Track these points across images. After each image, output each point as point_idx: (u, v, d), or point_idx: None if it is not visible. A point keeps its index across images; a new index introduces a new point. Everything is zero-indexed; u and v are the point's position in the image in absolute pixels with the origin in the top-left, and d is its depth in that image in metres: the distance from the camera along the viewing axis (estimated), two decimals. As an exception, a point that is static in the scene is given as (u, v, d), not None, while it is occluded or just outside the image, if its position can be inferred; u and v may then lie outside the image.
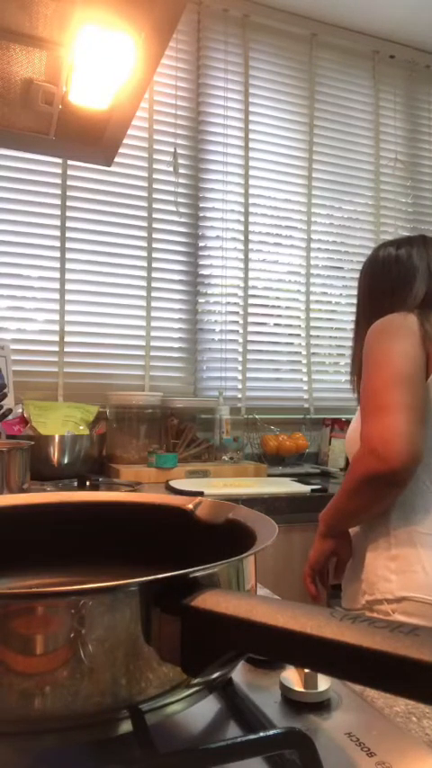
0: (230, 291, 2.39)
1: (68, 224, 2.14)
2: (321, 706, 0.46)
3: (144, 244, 2.26)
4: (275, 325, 2.47)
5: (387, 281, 1.18)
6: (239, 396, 2.37)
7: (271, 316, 2.46)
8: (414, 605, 0.96)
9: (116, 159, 1.23)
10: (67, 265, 2.14)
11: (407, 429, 0.91)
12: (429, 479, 1.00)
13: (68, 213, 2.15)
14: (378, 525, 1.05)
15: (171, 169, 2.30)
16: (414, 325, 1.03)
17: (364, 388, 1.00)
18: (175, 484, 1.69)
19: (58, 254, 2.13)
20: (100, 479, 1.70)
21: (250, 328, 2.41)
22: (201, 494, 1.50)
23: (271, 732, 0.36)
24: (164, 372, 2.29)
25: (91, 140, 1.12)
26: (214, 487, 1.64)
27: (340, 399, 2.46)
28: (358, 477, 0.96)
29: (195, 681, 0.36)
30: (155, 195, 2.28)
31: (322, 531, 1.10)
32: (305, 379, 2.49)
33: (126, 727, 0.35)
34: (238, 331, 2.41)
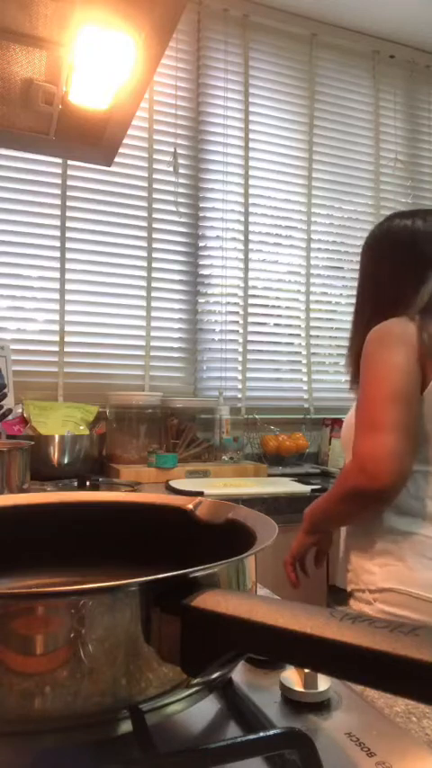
0: (230, 291, 2.39)
1: (68, 224, 2.14)
2: (321, 706, 0.46)
3: (144, 244, 2.26)
4: (275, 325, 2.47)
5: (401, 266, 1.13)
6: (239, 396, 2.37)
7: (271, 316, 2.46)
8: (395, 596, 0.99)
9: (116, 159, 1.23)
10: (67, 265, 2.14)
11: (397, 449, 0.92)
12: (411, 484, 1.02)
13: (68, 213, 2.15)
14: (363, 523, 1.08)
15: (171, 169, 2.30)
16: (413, 336, 1.01)
17: (360, 402, 1.01)
18: (175, 484, 1.69)
19: (58, 254, 2.13)
20: (100, 479, 1.70)
21: (250, 328, 2.41)
22: (201, 494, 1.50)
23: (271, 732, 0.36)
24: (164, 372, 2.29)
25: (91, 140, 1.12)
26: (214, 487, 1.64)
27: (340, 399, 2.46)
28: (347, 490, 0.99)
29: (195, 681, 0.36)
30: (155, 195, 2.28)
31: (306, 528, 1.16)
32: (305, 379, 2.49)
33: (126, 727, 0.35)
34: (238, 331, 2.41)
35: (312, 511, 1.13)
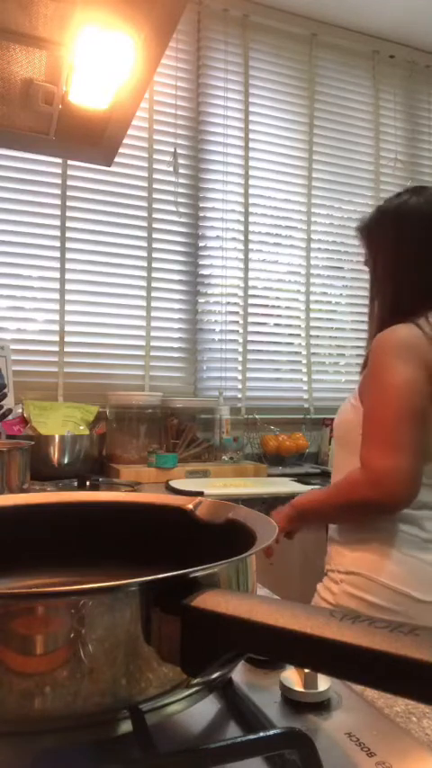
0: (230, 291, 2.39)
1: (68, 224, 2.14)
2: (321, 706, 0.46)
3: (144, 244, 2.26)
4: (275, 325, 2.47)
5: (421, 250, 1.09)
6: (239, 396, 2.37)
7: (271, 316, 2.46)
8: (360, 580, 1.02)
9: (116, 159, 1.23)
10: (67, 265, 2.14)
11: (414, 470, 0.95)
12: None
13: (68, 213, 2.15)
14: None
15: (171, 169, 2.30)
16: (422, 344, 1.01)
17: (372, 415, 1.01)
18: (175, 484, 1.69)
19: (58, 254, 2.13)
20: (100, 479, 1.70)
21: (250, 328, 2.41)
22: (201, 494, 1.50)
23: (271, 732, 0.36)
24: (164, 372, 2.29)
25: (91, 140, 1.12)
26: (214, 487, 1.64)
27: (340, 399, 2.44)
28: (355, 502, 1.01)
29: (195, 681, 0.36)
30: (155, 195, 2.28)
31: (293, 517, 1.13)
32: (305, 379, 2.49)
33: (126, 727, 0.35)
34: (238, 331, 2.41)
35: (304, 506, 1.12)
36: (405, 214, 1.13)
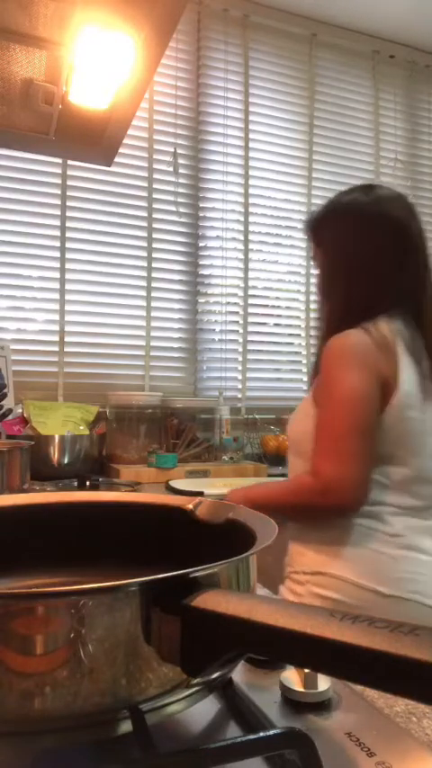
0: (230, 291, 2.39)
1: (68, 224, 2.14)
2: (321, 706, 0.46)
3: (144, 244, 2.26)
4: (275, 325, 2.47)
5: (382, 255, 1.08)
6: (239, 396, 2.37)
7: (271, 316, 2.46)
8: (326, 579, 1.02)
9: (116, 159, 1.23)
10: (67, 265, 2.14)
11: (362, 478, 0.99)
12: None
13: (68, 213, 2.15)
14: None
15: (171, 169, 2.30)
16: (371, 351, 1.01)
17: (324, 424, 1.03)
18: (174, 484, 1.68)
19: (58, 254, 2.13)
20: (100, 479, 1.70)
21: (250, 328, 2.41)
22: (201, 494, 1.50)
23: (271, 732, 0.36)
24: (164, 372, 2.29)
25: (91, 140, 1.12)
26: (214, 487, 1.64)
27: (340, 399, 2.45)
28: (303, 505, 1.04)
29: (195, 681, 0.36)
30: (155, 195, 2.28)
31: (246, 504, 1.14)
32: (305, 379, 2.49)
33: (126, 727, 0.35)
34: (238, 331, 2.41)
35: (256, 498, 1.12)
36: (355, 212, 1.11)
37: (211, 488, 1.60)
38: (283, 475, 2.03)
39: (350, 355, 1.02)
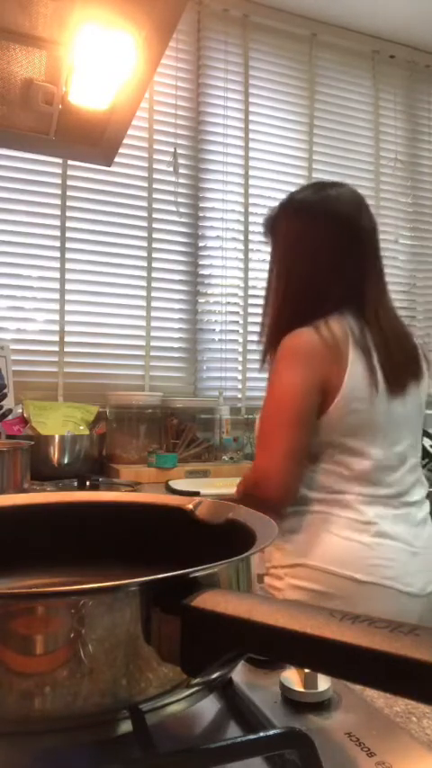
0: (230, 291, 2.39)
1: (68, 224, 2.14)
2: (321, 706, 0.46)
3: (144, 244, 2.26)
4: (275, 325, 2.46)
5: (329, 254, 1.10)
6: (239, 396, 2.37)
7: (271, 316, 2.46)
8: (304, 570, 1.05)
9: (116, 159, 1.23)
10: (67, 265, 2.14)
11: (290, 472, 1.03)
12: (317, 465, 1.09)
13: (68, 213, 2.14)
14: None
15: (171, 169, 2.30)
16: (318, 350, 1.04)
17: (263, 418, 1.09)
18: (174, 484, 1.68)
19: (58, 254, 2.13)
20: (100, 479, 1.70)
21: (250, 328, 2.41)
22: (197, 493, 1.50)
23: (271, 732, 0.36)
24: (164, 372, 2.28)
25: (91, 140, 1.12)
26: (214, 487, 1.64)
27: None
28: (242, 494, 1.10)
29: (195, 681, 0.36)
30: (155, 195, 2.28)
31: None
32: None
33: (126, 727, 0.35)
34: (238, 331, 2.41)
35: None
36: (307, 210, 1.13)
37: (208, 488, 1.60)
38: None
39: (296, 354, 1.06)
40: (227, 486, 1.70)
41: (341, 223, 1.11)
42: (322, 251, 1.11)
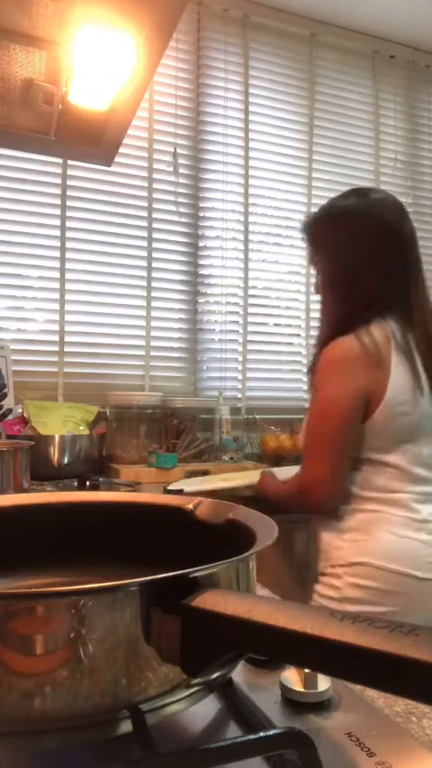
0: (230, 291, 2.39)
1: (68, 224, 2.14)
2: (321, 706, 0.46)
3: (144, 244, 2.26)
4: (275, 325, 2.47)
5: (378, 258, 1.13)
6: (239, 396, 2.37)
7: (271, 316, 2.46)
8: (364, 569, 1.07)
9: (116, 159, 1.23)
10: (67, 265, 2.14)
11: (335, 479, 1.10)
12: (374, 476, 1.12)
13: (68, 213, 2.14)
14: None
15: (171, 169, 2.30)
16: (360, 358, 1.08)
17: (310, 427, 1.14)
18: (174, 486, 1.67)
19: (58, 254, 2.13)
20: (100, 479, 1.70)
21: (250, 328, 2.41)
22: (181, 492, 1.49)
23: (271, 732, 0.36)
24: (164, 372, 2.28)
25: (91, 140, 1.12)
26: (209, 483, 1.61)
27: (340, 399, 2.45)
28: (293, 502, 1.18)
29: (195, 681, 0.36)
30: (155, 195, 2.28)
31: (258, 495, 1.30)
32: (305, 379, 2.49)
33: (126, 727, 0.35)
34: (238, 331, 2.41)
35: (266, 490, 1.31)
36: (350, 216, 1.15)
37: (195, 485, 1.57)
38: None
39: (338, 364, 1.10)
40: (225, 480, 1.68)
41: (385, 229, 1.13)
42: (368, 258, 1.13)
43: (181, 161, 2.31)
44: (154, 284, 2.27)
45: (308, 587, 1.19)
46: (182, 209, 2.32)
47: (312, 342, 2.47)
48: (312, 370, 1.19)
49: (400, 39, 2.66)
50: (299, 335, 2.50)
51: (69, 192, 2.14)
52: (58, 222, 2.13)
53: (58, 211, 2.13)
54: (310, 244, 1.22)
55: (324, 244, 1.19)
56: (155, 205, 2.28)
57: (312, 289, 2.48)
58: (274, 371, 2.45)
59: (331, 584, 1.10)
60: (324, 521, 1.16)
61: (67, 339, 2.13)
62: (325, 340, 1.15)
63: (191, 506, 0.56)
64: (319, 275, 1.21)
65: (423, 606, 1.04)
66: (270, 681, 0.49)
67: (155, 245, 2.27)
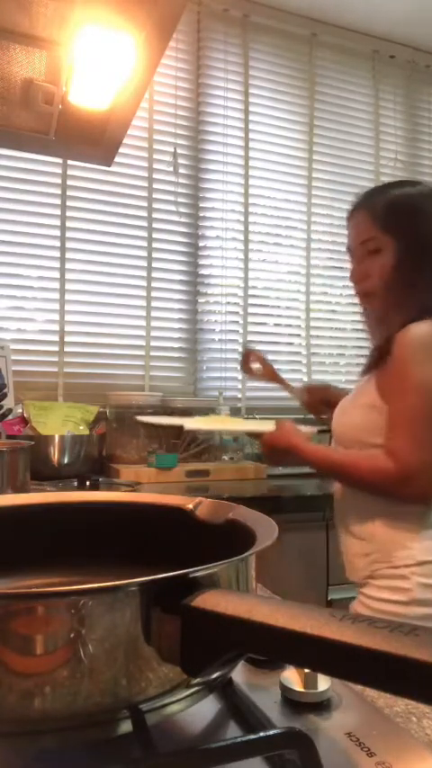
0: (230, 291, 2.39)
1: (68, 224, 2.14)
2: (321, 706, 0.46)
3: (144, 244, 2.26)
4: (275, 325, 2.46)
5: None
6: (239, 396, 2.37)
7: (271, 316, 2.46)
8: None
9: (116, 159, 1.23)
10: (67, 265, 2.14)
11: None
12: None
13: (68, 213, 2.14)
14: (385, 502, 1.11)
15: (171, 169, 2.30)
16: None
17: (401, 410, 1.05)
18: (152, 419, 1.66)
19: (58, 254, 2.13)
20: (100, 479, 1.70)
21: (250, 328, 2.41)
22: (181, 428, 1.44)
23: (271, 732, 0.36)
24: (164, 372, 2.28)
25: (91, 140, 1.12)
26: (196, 423, 1.57)
27: (340, 399, 2.45)
28: (379, 489, 1.06)
29: (195, 681, 0.36)
30: (155, 195, 2.28)
31: (286, 451, 1.23)
32: (305, 379, 2.49)
33: (126, 727, 0.35)
34: (238, 331, 2.41)
35: (308, 453, 1.17)
36: (420, 204, 1.15)
37: (190, 424, 1.51)
38: (283, 475, 2.02)
39: (424, 345, 1.05)
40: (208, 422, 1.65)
41: None
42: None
43: (181, 161, 2.32)
44: (154, 284, 2.27)
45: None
46: (182, 210, 2.32)
47: (314, 342, 2.48)
48: (380, 356, 1.12)
49: (400, 39, 2.66)
50: (299, 335, 2.50)
51: (69, 192, 2.14)
52: (58, 222, 2.13)
53: (58, 211, 2.13)
54: (379, 226, 1.16)
55: (400, 228, 1.15)
56: (155, 205, 2.28)
57: (313, 288, 2.49)
58: (274, 371, 2.45)
59: (399, 586, 1.04)
60: (379, 514, 1.09)
61: (67, 339, 2.13)
62: (402, 324, 1.09)
63: (191, 506, 0.56)
64: (390, 258, 1.16)
65: None
66: (270, 681, 0.49)
67: (155, 245, 2.27)
